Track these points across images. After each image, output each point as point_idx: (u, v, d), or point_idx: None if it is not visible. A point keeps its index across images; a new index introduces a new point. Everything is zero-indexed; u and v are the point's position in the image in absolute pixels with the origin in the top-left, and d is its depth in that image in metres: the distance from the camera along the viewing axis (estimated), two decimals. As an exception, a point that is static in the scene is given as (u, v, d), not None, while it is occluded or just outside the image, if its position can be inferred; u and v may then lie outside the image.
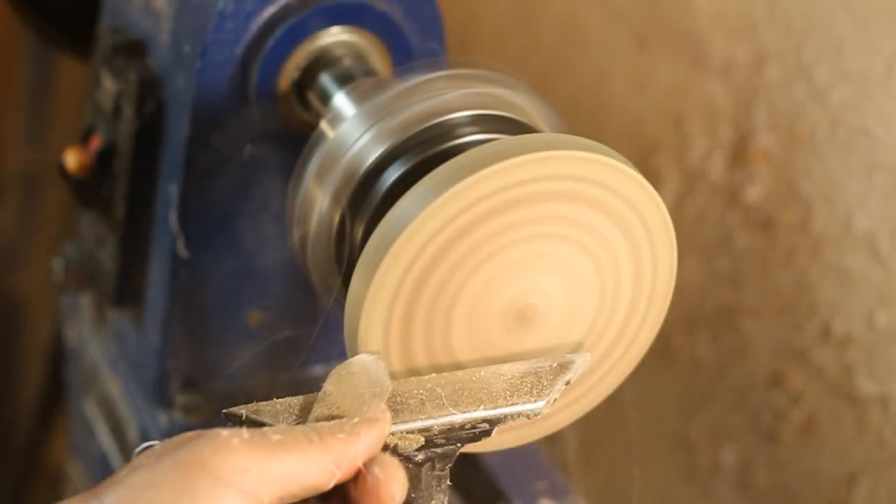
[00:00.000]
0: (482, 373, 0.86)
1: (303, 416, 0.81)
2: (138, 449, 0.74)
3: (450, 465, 0.82)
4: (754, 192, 1.27)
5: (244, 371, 1.14)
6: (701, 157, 1.31)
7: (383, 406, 0.80)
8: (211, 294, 1.09)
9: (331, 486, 0.76)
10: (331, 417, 0.79)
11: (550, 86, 1.47)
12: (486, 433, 0.83)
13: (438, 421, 0.82)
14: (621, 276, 0.88)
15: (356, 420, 0.78)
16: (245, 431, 0.74)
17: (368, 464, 0.77)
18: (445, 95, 0.90)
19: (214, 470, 0.71)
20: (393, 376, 0.85)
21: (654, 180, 0.87)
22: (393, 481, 0.76)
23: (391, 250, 0.81)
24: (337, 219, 0.91)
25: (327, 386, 0.82)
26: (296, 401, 0.81)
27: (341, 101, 0.98)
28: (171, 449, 0.73)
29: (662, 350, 1.37)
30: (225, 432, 0.73)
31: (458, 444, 0.82)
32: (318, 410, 0.80)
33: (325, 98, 1.00)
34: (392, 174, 0.89)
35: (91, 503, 0.71)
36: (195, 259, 1.07)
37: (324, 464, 0.75)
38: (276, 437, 0.74)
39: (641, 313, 0.90)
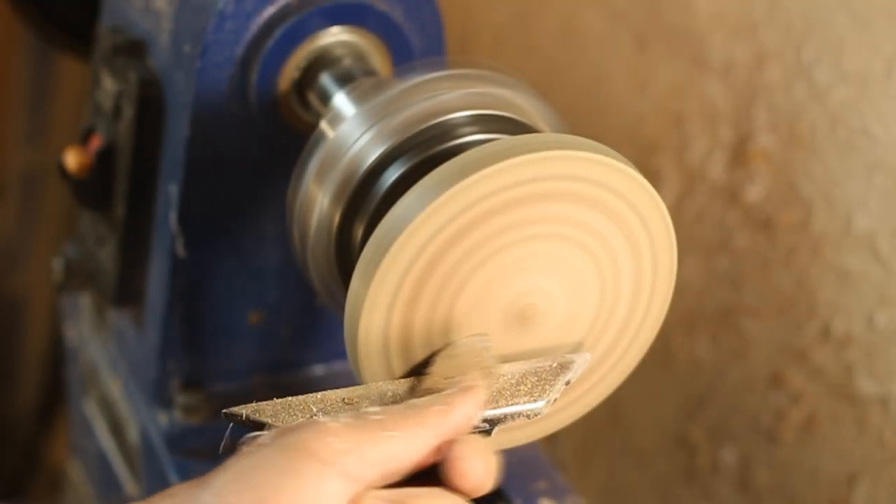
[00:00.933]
0: (482, 373, 0.86)
1: (307, 415, 0.81)
2: (243, 438, 0.77)
3: (450, 465, 0.82)
4: (754, 192, 1.27)
5: (244, 371, 1.14)
6: (701, 157, 1.31)
7: (477, 376, 0.81)
8: (211, 294, 1.09)
9: (433, 459, 0.77)
10: (431, 393, 0.81)
11: (550, 86, 1.46)
12: (486, 433, 0.83)
13: (438, 421, 0.82)
14: (621, 276, 0.88)
15: (451, 391, 0.79)
16: (346, 415, 0.76)
17: (450, 442, 0.77)
18: (445, 95, 0.90)
19: (316, 452, 0.73)
20: (497, 358, 0.86)
21: (654, 180, 0.87)
22: (466, 461, 0.76)
23: (391, 250, 0.81)
24: (337, 219, 0.91)
25: (433, 366, 0.84)
26: (295, 400, 0.81)
27: (341, 101, 0.98)
28: (276, 437, 0.75)
29: (662, 350, 1.37)
30: (325, 418, 0.76)
31: (459, 444, 0.83)
32: (424, 387, 0.82)
33: (325, 98, 1.00)
34: (392, 174, 0.89)
35: (197, 489, 0.74)
36: (195, 259, 1.07)
37: (424, 438, 0.76)
38: (375, 417, 0.76)
39: (641, 313, 0.90)
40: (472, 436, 0.79)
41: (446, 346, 0.85)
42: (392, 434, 0.76)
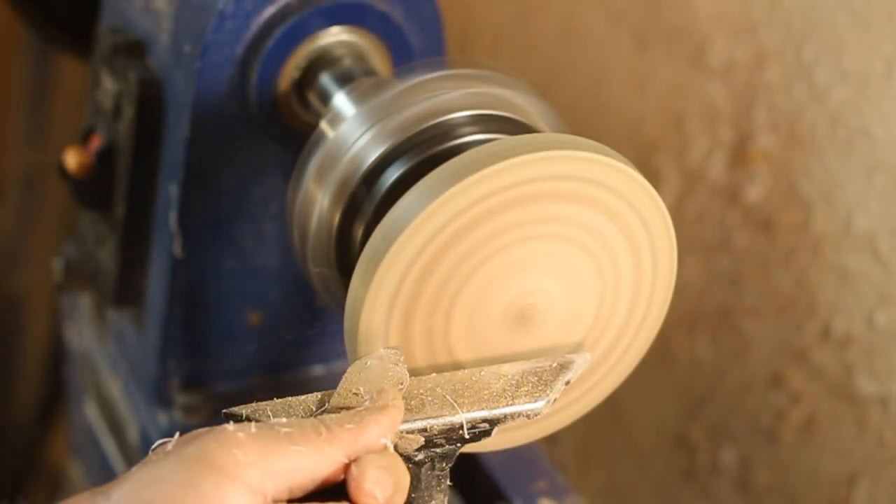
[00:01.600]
0: (482, 373, 0.86)
1: (307, 414, 0.81)
2: (154, 446, 0.75)
3: (450, 465, 0.82)
4: (754, 192, 1.27)
5: (244, 371, 1.14)
6: (701, 157, 1.31)
7: (394, 393, 0.80)
8: (211, 294, 1.09)
9: (342, 477, 0.76)
10: (344, 409, 0.80)
11: (550, 86, 1.46)
12: (486, 433, 0.83)
13: (438, 421, 0.82)
14: (621, 276, 0.88)
15: (364, 409, 0.79)
16: (252, 426, 0.74)
17: (357, 460, 0.76)
18: (445, 95, 0.90)
19: (219, 464, 0.72)
20: (412, 371, 0.85)
21: (654, 180, 0.87)
22: (365, 479, 0.75)
23: (391, 250, 0.81)
24: (337, 219, 0.91)
25: (345, 380, 0.83)
26: (295, 401, 0.81)
27: (341, 101, 0.98)
28: (179, 445, 0.74)
29: (662, 350, 1.37)
30: (232, 427, 0.74)
31: (458, 444, 0.82)
32: (333, 403, 0.81)
33: (325, 98, 1.00)
34: (392, 174, 0.89)
35: (98, 499, 0.72)
36: (195, 259, 1.07)
37: (332, 455, 0.75)
38: (284, 430, 0.75)
39: (641, 313, 0.90)
40: (383, 453, 0.78)
41: (358, 358, 0.85)
42: (299, 449, 0.74)
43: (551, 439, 0.98)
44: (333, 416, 0.78)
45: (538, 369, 0.86)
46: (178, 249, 1.06)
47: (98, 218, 1.15)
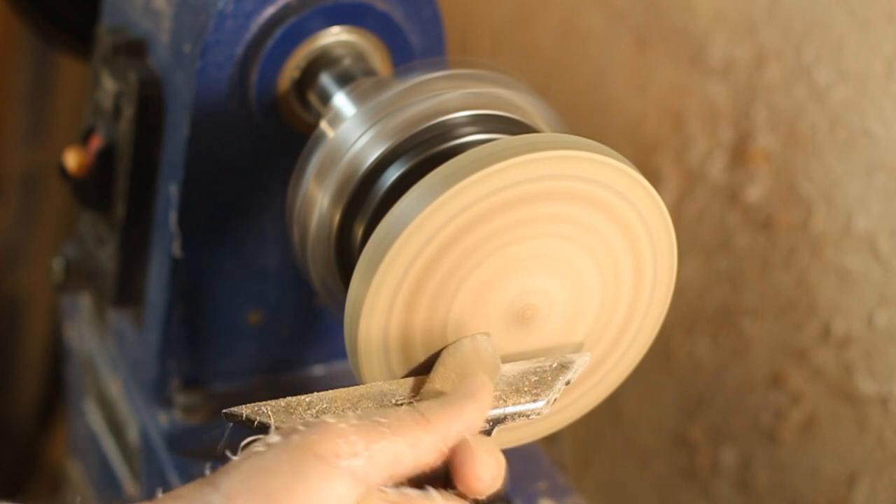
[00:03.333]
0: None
1: (305, 415, 0.81)
2: (244, 442, 0.76)
3: (450, 465, 0.82)
4: (754, 192, 1.27)
5: (244, 371, 1.14)
6: (701, 157, 1.31)
7: (484, 378, 0.82)
8: (211, 294, 1.09)
9: (440, 462, 0.78)
10: (437, 394, 0.81)
11: (550, 86, 1.47)
12: (486, 433, 0.83)
13: (439, 421, 0.82)
14: (621, 276, 0.88)
15: (458, 394, 0.80)
16: (352, 417, 0.76)
17: (460, 444, 0.78)
18: (445, 95, 0.90)
19: (324, 454, 0.74)
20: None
21: (654, 180, 0.87)
22: (476, 463, 0.77)
23: (391, 250, 0.81)
24: (337, 219, 0.91)
25: (438, 366, 0.84)
26: (295, 400, 0.81)
27: (341, 101, 0.98)
28: (283, 437, 0.75)
29: (662, 350, 1.37)
30: (333, 419, 0.76)
31: (459, 445, 0.83)
32: (427, 389, 0.82)
33: (325, 98, 1.00)
34: (392, 174, 0.89)
35: (207, 489, 0.74)
36: (195, 259, 1.07)
37: (430, 443, 0.77)
38: (382, 420, 0.76)
39: (641, 313, 0.90)
40: (481, 436, 0.80)
41: (451, 343, 0.85)
42: (399, 438, 0.76)
43: (551, 439, 0.98)
44: (426, 403, 0.80)
45: (538, 369, 0.86)
46: (178, 249, 1.06)
47: (98, 218, 1.15)
